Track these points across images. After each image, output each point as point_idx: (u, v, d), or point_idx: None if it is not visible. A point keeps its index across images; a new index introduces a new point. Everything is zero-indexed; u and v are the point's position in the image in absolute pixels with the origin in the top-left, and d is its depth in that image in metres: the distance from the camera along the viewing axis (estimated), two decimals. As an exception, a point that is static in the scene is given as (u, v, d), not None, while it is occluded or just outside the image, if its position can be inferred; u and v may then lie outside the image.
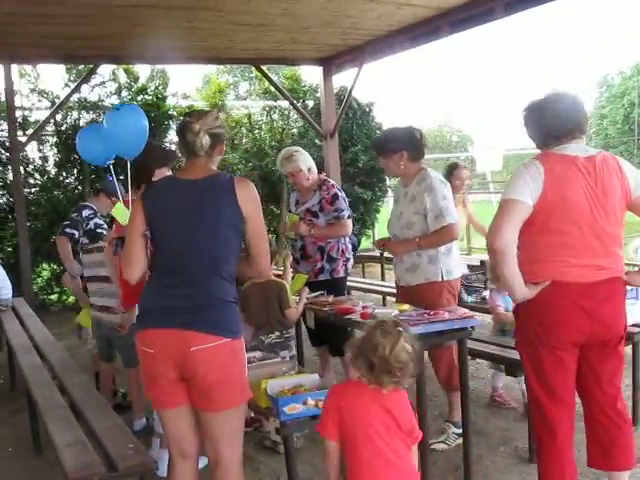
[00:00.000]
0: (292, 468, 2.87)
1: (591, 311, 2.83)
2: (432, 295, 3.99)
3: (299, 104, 11.07)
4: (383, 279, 9.43)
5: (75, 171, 9.85)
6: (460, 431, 4.05)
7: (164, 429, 2.82)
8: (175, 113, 10.41)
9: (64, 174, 9.89)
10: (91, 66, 8.58)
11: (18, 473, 4.03)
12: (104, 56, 8.31)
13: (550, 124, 2.91)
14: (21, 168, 8.68)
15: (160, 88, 10.29)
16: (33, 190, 9.79)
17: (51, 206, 9.40)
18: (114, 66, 9.71)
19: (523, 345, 3.08)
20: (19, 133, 8.82)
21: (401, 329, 2.37)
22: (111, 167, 4.77)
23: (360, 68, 9.25)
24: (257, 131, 11.71)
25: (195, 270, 2.63)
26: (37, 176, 9.72)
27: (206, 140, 2.67)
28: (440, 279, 4.00)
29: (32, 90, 9.36)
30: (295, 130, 11.68)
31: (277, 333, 4.17)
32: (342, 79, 10.30)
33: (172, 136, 10.54)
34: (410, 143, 4.08)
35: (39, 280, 9.91)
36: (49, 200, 9.54)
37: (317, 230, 4.78)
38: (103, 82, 9.85)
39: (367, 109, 11.74)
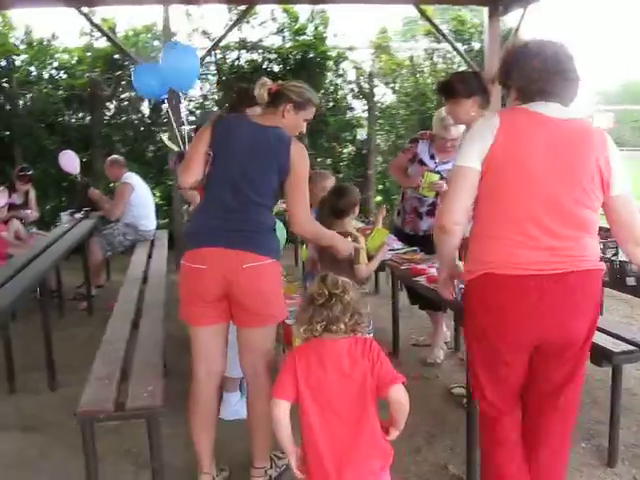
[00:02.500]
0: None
1: (542, 311, 2.31)
2: None
3: (464, 47, 10.48)
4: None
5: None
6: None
7: (195, 347, 2.98)
8: (333, 54, 10.25)
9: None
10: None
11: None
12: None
13: (527, 76, 2.36)
14: (182, 106, 9.06)
15: (320, 29, 10.13)
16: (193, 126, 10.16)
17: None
18: (274, 6, 9.71)
19: (470, 339, 2.61)
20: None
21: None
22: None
23: (525, 8, 8.56)
24: (419, 74, 11.25)
25: (247, 198, 2.88)
26: (197, 113, 10.07)
27: (262, 93, 3.03)
28: None
29: (194, 30, 9.64)
30: (459, 74, 11.06)
31: (349, 287, 4.01)
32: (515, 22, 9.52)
33: (329, 77, 10.42)
34: (481, 89, 3.85)
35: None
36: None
37: None
38: (263, 22, 9.91)
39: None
